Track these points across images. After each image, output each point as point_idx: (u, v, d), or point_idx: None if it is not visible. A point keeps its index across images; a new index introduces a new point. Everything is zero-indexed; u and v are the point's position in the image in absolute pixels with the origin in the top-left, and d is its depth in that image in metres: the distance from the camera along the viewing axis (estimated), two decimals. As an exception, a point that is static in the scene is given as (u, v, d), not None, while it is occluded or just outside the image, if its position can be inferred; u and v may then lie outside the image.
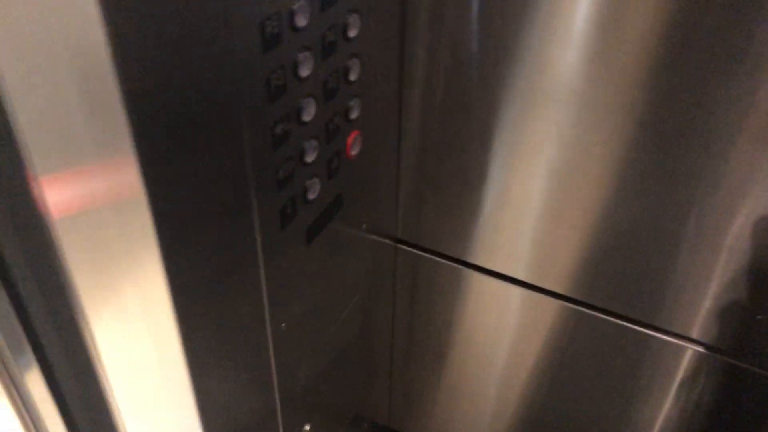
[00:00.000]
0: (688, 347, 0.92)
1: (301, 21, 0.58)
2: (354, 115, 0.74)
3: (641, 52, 0.72)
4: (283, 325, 0.74)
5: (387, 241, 1.03)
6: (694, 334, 0.91)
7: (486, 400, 1.19)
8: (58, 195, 0.43)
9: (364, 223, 0.89)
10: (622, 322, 0.95)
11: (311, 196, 0.71)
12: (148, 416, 0.60)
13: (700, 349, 0.91)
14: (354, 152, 0.77)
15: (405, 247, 1.07)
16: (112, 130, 0.43)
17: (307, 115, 0.64)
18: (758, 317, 0.82)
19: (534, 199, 0.89)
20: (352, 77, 0.71)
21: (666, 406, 1.00)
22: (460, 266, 1.04)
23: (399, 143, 0.93)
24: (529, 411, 1.16)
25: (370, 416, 1.29)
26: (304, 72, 0.61)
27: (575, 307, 0.97)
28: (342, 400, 1.06)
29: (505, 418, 1.20)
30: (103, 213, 0.46)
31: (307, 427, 0.91)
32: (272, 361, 0.75)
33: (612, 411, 1.07)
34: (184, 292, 0.54)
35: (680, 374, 0.95)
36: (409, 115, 0.90)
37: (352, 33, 0.68)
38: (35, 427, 0.52)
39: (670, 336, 0.93)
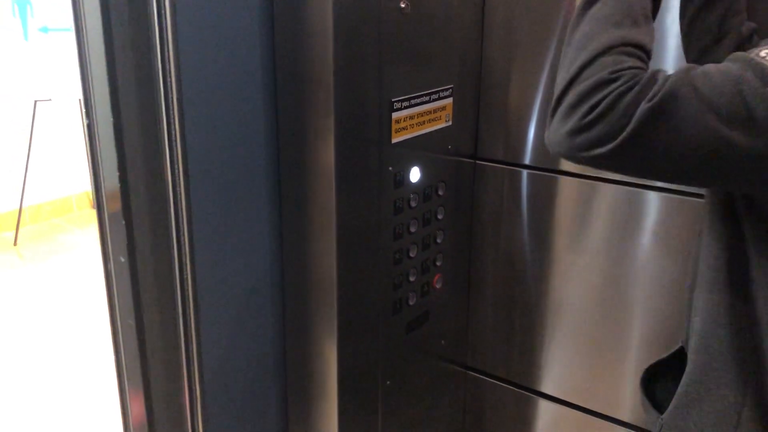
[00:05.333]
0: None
1: (413, 204, 1.19)
2: (439, 263, 1.31)
3: (606, 236, 1.26)
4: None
5: (458, 368, 1.51)
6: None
7: None
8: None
9: (443, 339, 1.40)
10: None
11: (411, 302, 1.25)
12: None
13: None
14: (438, 286, 1.32)
15: (473, 374, 1.54)
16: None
17: (412, 254, 1.22)
18: None
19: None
20: (439, 240, 1.29)
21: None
22: (526, 393, 1.47)
23: (468, 288, 1.46)
24: None
25: None
26: (413, 230, 1.20)
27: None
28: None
29: None
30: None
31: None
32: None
33: None
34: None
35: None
36: (478, 268, 1.44)
37: (440, 216, 1.28)
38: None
39: None
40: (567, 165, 1.29)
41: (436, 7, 1.14)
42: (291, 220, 1.12)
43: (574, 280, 1.34)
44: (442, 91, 1.19)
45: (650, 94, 0.64)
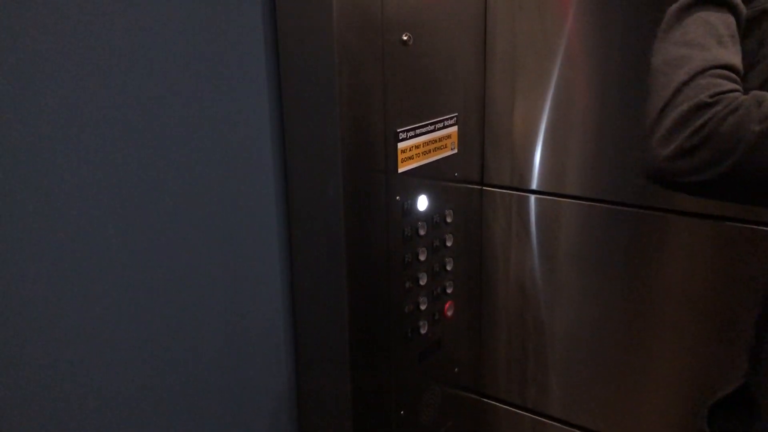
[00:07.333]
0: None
1: (421, 232, 1.19)
2: (449, 291, 1.31)
3: (616, 259, 1.25)
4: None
5: (472, 395, 1.50)
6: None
7: None
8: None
9: (456, 367, 1.39)
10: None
11: (422, 331, 1.25)
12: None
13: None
14: (449, 313, 1.32)
15: (489, 401, 1.52)
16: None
17: (422, 282, 1.22)
18: None
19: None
20: (448, 268, 1.29)
21: None
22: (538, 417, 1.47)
23: (480, 314, 1.46)
24: None
25: None
26: (422, 258, 1.21)
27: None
28: None
29: None
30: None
31: None
32: None
33: None
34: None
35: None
36: (489, 295, 1.44)
37: (449, 243, 1.28)
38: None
39: None
40: (574, 189, 1.29)
41: (438, 38, 1.15)
42: (301, 251, 1.12)
43: (586, 304, 1.33)
44: (447, 119, 1.20)
45: (760, 117, 0.62)
